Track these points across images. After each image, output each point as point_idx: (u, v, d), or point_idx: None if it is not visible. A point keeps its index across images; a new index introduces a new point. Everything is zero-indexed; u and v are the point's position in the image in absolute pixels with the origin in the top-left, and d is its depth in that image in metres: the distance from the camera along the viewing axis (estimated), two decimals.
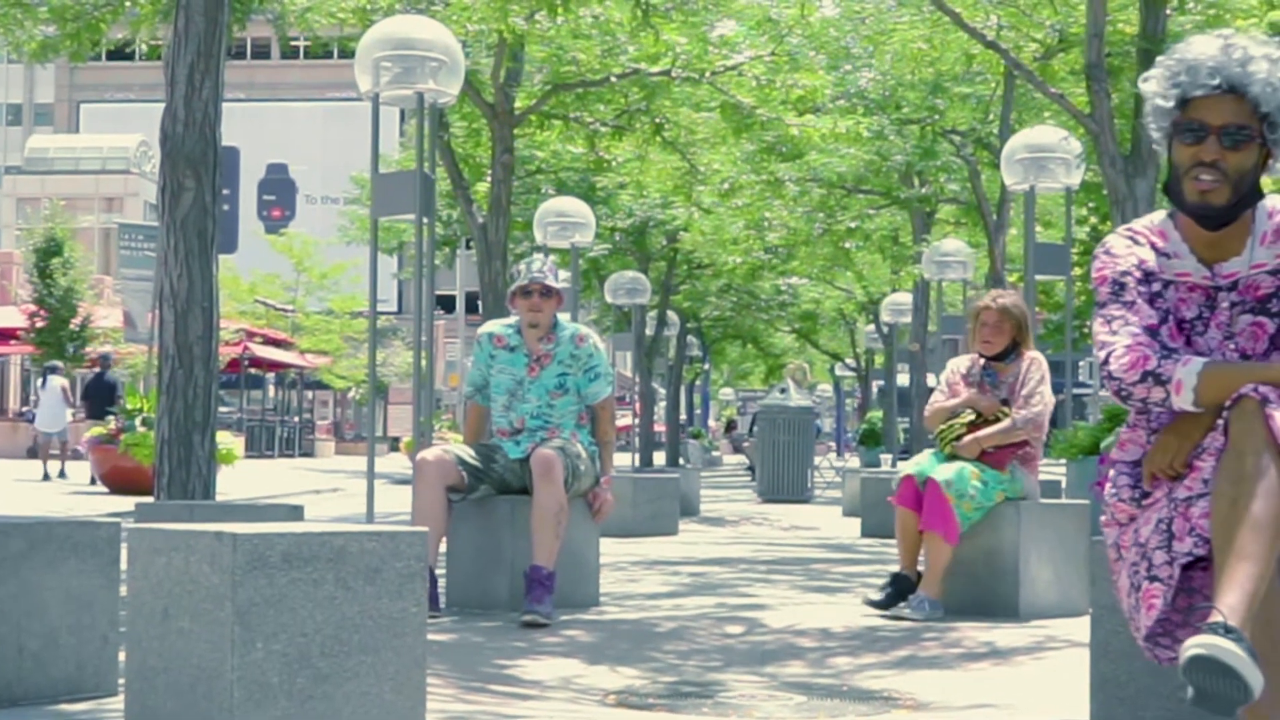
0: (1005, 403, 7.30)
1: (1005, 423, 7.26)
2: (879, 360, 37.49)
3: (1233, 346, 3.57)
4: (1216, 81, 3.41)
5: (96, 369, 26.37)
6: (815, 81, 16.27)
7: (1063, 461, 12.22)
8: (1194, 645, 3.08)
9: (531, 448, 7.17)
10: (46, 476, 23.90)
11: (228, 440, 20.01)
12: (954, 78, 18.66)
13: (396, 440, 46.76)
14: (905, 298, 25.46)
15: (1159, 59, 3.57)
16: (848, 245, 26.43)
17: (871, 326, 35.34)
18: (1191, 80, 3.42)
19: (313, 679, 3.72)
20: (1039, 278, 13.92)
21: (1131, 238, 3.61)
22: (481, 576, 7.36)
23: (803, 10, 16.50)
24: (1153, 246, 3.58)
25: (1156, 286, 3.54)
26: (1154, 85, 3.51)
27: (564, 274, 19.56)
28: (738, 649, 6.43)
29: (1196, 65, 3.43)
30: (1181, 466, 3.48)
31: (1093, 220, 29.87)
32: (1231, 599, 3.18)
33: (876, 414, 31.79)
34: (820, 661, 6.15)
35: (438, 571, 7.21)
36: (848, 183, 22.55)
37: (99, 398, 23.53)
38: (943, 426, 7.32)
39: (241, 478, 23.63)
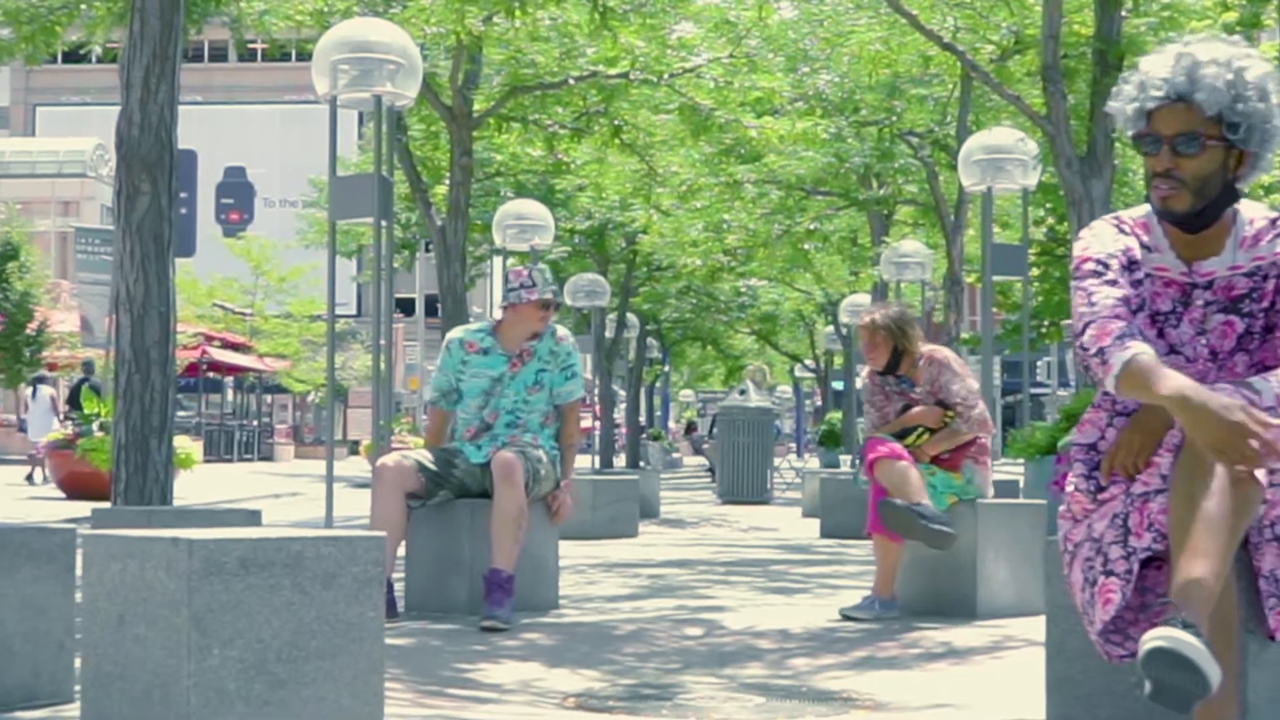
0: (941, 404, 7.32)
1: (948, 429, 7.30)
2: (838, 361, 37.59)
3: (1204, 342, 3.65)
4: (1164, 92, 3.50)
5: (81, 375, 26.56)
6: (773, 83, 16.31)
7: (1020, 461, 12.27)
8: (1154, 638, 3.10)
9: (493, 451, 7.19)
10: (46, 479, 24.06)
11: (186, 444, 19.92)
12: (911, 79, 18.72)
13: (356, 444, 46.60)
14: (864, 299, 25.53)
15: (1121, 77, 3.67)
16: (807, 247, 26.47)
17: (831, 328, 35.42)
18: (1145, 94, 3.53)
19: (269, 685, 3.72)
20: (996, 278, 13.98)
21: (1118, 225, 3.69)
22: (440, 580, 7.35)
23: (760, 12, 16.53)
24: (1137, 238, 3.66)
25: (1139, 275, 3.63)
26: (1118, 104, 3.62)
27: None
28: (697, 651, 6.44)
29: (1147, 79, 3.54)
30: (1144, 464, 3.52)
31: (1050, 221, 29.95)
32: (1190, 596, 3.22)
33: (836, 415, 31.86)
34: (779, 663, 6.17)
35: (394, 577, 7.21)
36: (806, 184, 22.57)
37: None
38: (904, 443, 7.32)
39: (200, 482, 23.52)
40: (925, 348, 7.45)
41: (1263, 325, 3.64)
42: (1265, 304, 3.63)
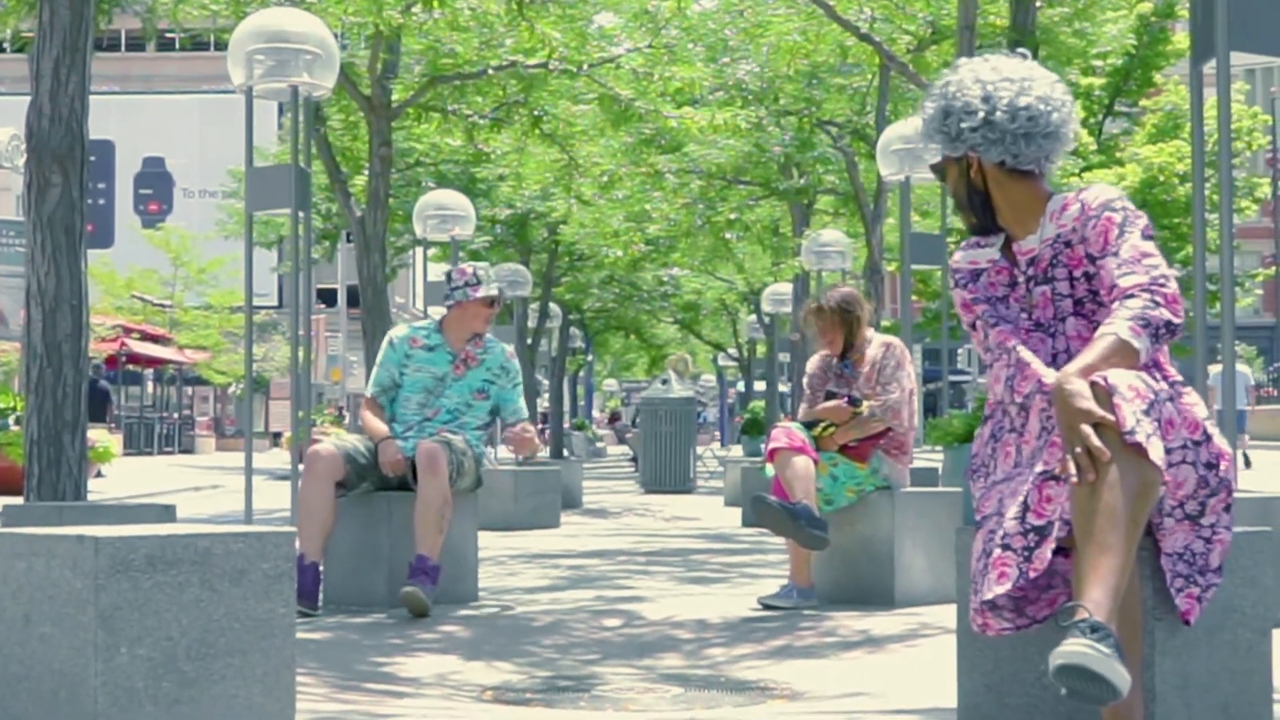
0: (853, 401, 7.36)
1: (858, 418, 7.34)
2: (761, 350, 37.65)
3: (1027, 317, 3.86)
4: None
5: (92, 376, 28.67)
6: (693, 74, 16.27)
7: (939, 449, 12.34)
8: (1061, 655, 3.19)
9: (418, 444, 7.23)
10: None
11: (105, 438, 19.73)
12: (830, 69, 18.75)
13: (278, 435, 46.31)
14: (786, 288, 25.56)
15: None
16: (728, 236, 26.49)
17: (753, 317, 35.49)
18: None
19: (179, 683, 3.68)
20: (915, 267, 14.04)
21: (964, 246, 4.04)
22: (359, 573, 7.33)
23: (680, 3, 16.50)
24: (974, 244, 3.99)
25: (982, 280, 3.95)
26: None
27: (444, 267, 19.36)
28: (615, 642, 6.45)
29: None
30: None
31: None
32: (1096, 594, 3.27)
33: (759, 404, 31.93)
34: (697, 653, 6.18)
35: (321, 567, 7.18)
36: (727, 174, 22.58)
37: (94, 401, 26.64)
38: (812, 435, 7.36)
39: (120, 476, 23.29)
40: (881, 336, 7.52)
41: (1088, 290, 3.80)
42: (1077, 269, 3.80)
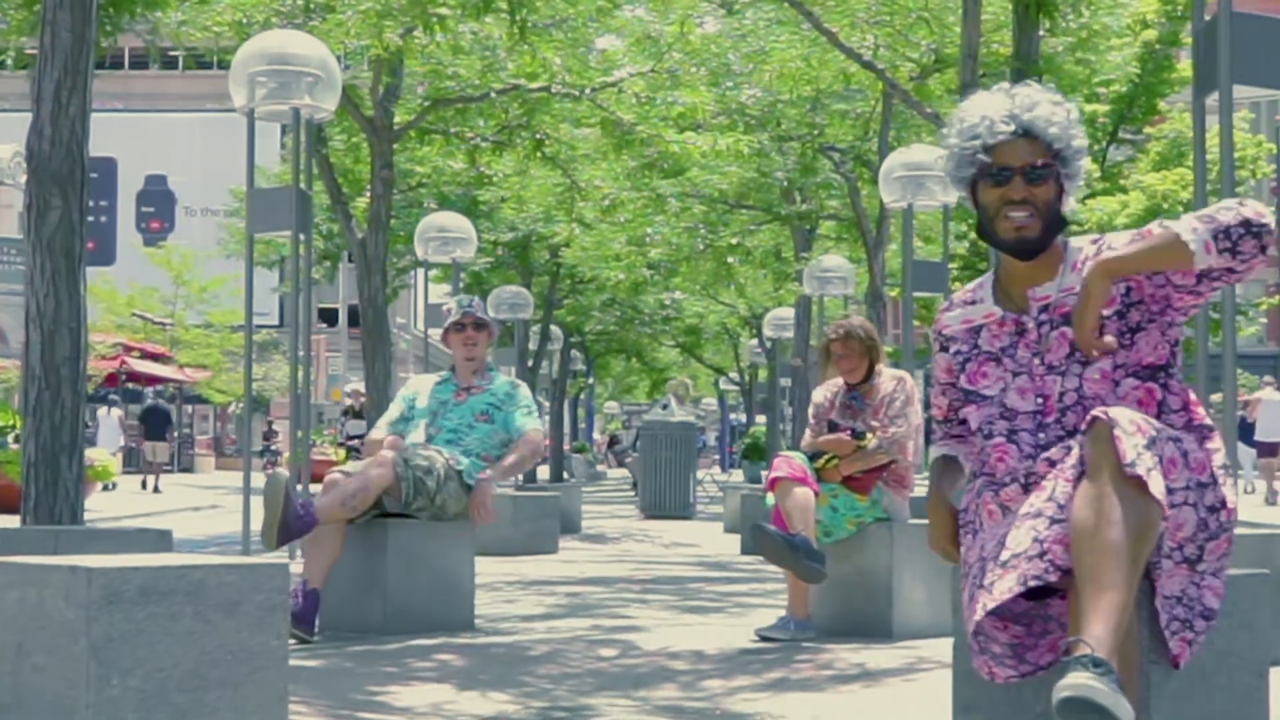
0: (857, 434, 7.34)
1: (862, 450, 7.31)
2: (762, 374, 37.63)
3: (1039, 362, 3.79)
4: (1012, 128, 3.70)
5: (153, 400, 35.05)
6: (696, 99, 16.28)
7: None
8: (1065, 688, 3.15)
9: None
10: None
11: (104, 457, 19.73)
12: (833, 95, 18.75)
13: (278, 455, 46.22)
14: (787, 313, 25.57)
15: (954, 115, 3.85)
16: (730, 261, 26.51)
17: (755, 341, 35.47)
18: (989, 129, 3.70)
19: (171, 715, 3.66)
20: (917, 294, 14.04)
21: (949, 306, 4.01)
22: (355, 601, 7.31)
23: (682, 28, 16.52)
24: (963, 303, 3.95)
25: (968, 344, 3.91)
26: (954, 139, 3.78)
27: (445, 288, 19.40)
28: (610, 672, 6.42)
29: (991, 116, 3.72)
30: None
31: (972, 236, 30.11)
32: (1098, 630, 3.24)
33: (760, 429, 31.88)
34: (692, 684, 6.15)
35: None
36: (729, 199, 22.61)
37: (155, 422, 31.20)
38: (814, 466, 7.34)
39: (118, 495, 23.28)
40: (892, 370, 7.52)
41: (1117, 329, 3.72)
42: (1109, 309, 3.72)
